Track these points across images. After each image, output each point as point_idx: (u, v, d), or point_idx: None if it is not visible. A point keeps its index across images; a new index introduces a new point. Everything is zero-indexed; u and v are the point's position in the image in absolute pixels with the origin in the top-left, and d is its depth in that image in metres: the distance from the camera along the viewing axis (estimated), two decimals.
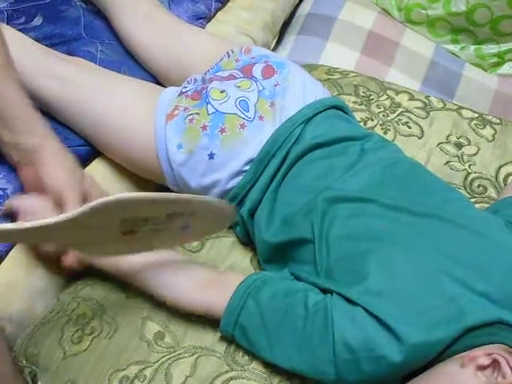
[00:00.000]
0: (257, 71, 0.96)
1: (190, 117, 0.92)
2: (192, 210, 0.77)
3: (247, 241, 0.95)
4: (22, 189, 0.90)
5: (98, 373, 0.81)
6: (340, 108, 0.98)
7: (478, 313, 0.74)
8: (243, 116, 0.91)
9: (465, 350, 0.73)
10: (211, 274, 0.85)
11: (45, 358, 0.84)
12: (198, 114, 0.91)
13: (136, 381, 0.80)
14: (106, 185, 0.99)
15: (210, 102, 0.92)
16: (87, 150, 1.01)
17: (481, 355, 0.71)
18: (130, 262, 0.84)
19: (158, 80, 1.11)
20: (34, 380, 0.82)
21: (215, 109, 0.91)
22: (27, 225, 0.65)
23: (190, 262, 0.88)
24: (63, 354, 0.83)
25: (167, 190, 1.00)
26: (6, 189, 0.91)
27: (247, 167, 0.91)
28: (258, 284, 0.81)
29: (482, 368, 0.71)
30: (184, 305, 0.83)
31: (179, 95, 0.96)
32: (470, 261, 0.78)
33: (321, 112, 0.94)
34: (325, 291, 0.81)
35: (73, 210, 0.67)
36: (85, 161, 1.00)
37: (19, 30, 1.02)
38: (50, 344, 0.84)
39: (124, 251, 0.79)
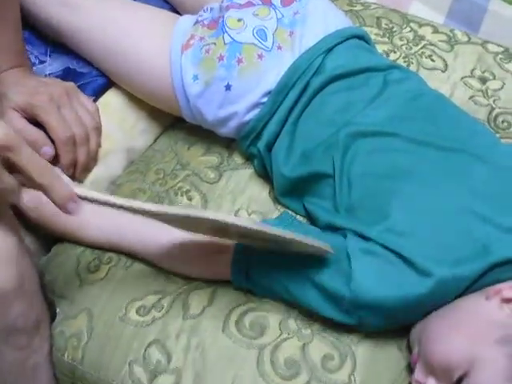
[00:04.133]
0: None
1: (206, 47, 0.89)
2: (289, 243, 0.73)
3: (265, 174, 0.93)
4: None
5: (115, 301, 0.81)
6: (362, 38, 0.95)
7: (504, 249, 0.73)
8: (261, 46, 0.88)
9: (490, 285, 0.72)
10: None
11: (61, 285, 0.84)
12: (214, 44, 0.89)
13: (153, 310, 0.80)
14: (121, 115, 0.98)
15: (226, 32, 0.89)
16: (102, 81, 0.99)
17: (506, 288, 0.70)
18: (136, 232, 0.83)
19: (174, 9, 1.08)
20: (51, 308, 0.83)
21: (232, 38, 0.88)
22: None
23: None
24: (80, 281, 0.84)
25: (183, 121, 0.99)
26: None
27: (265, 99, 0.89)
28: None
29: (507, 301, 0.70)
30: (193, 274, 0.82)
31: (195, 24, 0.93)
32: (496, 196, 0.77)
33: (342, 42, 0.90)
34: (338, 230, 0.79)
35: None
36: (100, 91, 0.98)
37: None
38: (66, 272, 0.85)
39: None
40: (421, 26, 1.14)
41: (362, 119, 0.84)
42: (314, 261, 0.75)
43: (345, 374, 0.76)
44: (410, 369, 0.76)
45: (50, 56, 0.98)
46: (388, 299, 0.72)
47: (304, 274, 0.75)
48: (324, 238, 0.78)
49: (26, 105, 0.85)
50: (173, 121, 1.04)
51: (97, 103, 0.96)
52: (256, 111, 0.89)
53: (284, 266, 0.76)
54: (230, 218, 0.66)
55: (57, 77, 0.96)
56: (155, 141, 1.04)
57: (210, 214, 0.65)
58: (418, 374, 0.73)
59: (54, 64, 0.98)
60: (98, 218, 0.85)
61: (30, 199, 0.84)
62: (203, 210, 0.64)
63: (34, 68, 0.96)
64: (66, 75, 0.97)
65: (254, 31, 0.89)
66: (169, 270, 0.83)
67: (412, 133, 0.82)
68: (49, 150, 0.86)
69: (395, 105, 0.86)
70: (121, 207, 0.66)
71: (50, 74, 0.97)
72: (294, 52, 0.89)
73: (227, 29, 0.89)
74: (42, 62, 0.98)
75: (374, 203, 0.79)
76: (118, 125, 0.99)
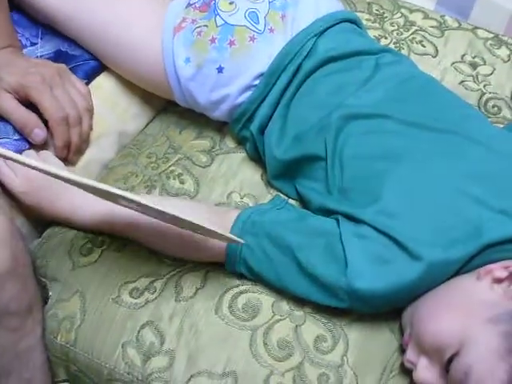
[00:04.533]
0: None
1: (198, 29, 0.89)
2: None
3: (257, 157, 0.93)
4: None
5: (108, 284, 0.81)
6: (354, 22, 0.95)
7: (496, 230, 0.73)
8: (253, 28, 0.88)
9: (482, 266, 0.73)
10: (212, 219, 0.81)
11: (53, 269, 0.84)
12: (206, 26, 0.89)
13: (146, 292, 0.80)
14: (113, 99, 0.97)
15: (218, 14, 0.89)
16: (94, 64, 0.98)
17: (498, 268, 0.71)
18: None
19: None
20: (43, 291, 0.83)
21: (224, 21, 0.88)
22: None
23: (189, 206, 0.86)
24: (72, 264, 0.83)
25: (175, 105, 0.98)
26: None
27: (257, 81, 0.89)
28: (254, 218, 0.79)
29: (498, 281, 0.71)
30: (186, 257, 0.82)
31: (187, 7, 0.92)
32: (488, 178, 0.77)
33: (334, 25, 0.91)
34: (330, 213, 0.80)
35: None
36: (92, 74, 0.97)
37: None
38: (58, 255, 0.84)
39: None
40: (411, 11, 1.15)
41: (354, 101, 0.85)
42: (307, 248, 0.75)
43: (337, 356, 0.77)
44: (402, 350, 0.76)
45: (41, 38, 0.97)
46: (382, 287, 0.72)
47: (297, 263, 0.75)
48: (317, 223, 0.78)
49: (18, 86, 0.84)
50: (165, 105, 1.04)
51: (89, 86, 0.95)
52: (248, 94, 0.89)
53: (277, 255, 0.77)
54: (126, 193, 0.65)
55: (48, 59, 0.94)
56: (147, 125, 1.04)
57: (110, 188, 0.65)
58: (410, 354, 0.73)
59: (46, 46, 0.97)
60: (90, 201, 0.84)
61: (22, 183, 0.84)
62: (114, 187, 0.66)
63: (25, 50, 0.95)
64: (58, 57, 0.96)
65: (246, 14, 0.88)
66: (161, 252, 0.83)
67: (404, 115, 0.82)
68: (40, 132, 0.85)
69: (387, 87, 0.86)
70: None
71: (41, 56, 0.96)
72: (286, 35, 0.89)
73: (219, 11, 0.89)
74: (33, 44, 0.97)
75: (366, 185, 0.79)
76: (111, 108, 0.98)
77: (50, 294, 0.82)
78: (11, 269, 0.71)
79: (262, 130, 0.90)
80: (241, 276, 0.81)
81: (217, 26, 0.88)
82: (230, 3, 0.89)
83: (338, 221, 0.77)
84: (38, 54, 0.95)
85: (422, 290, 0.74)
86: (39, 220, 0.89)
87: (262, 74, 0.88)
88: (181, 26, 0.90)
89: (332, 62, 0.88)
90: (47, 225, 0.89)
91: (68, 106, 0.86)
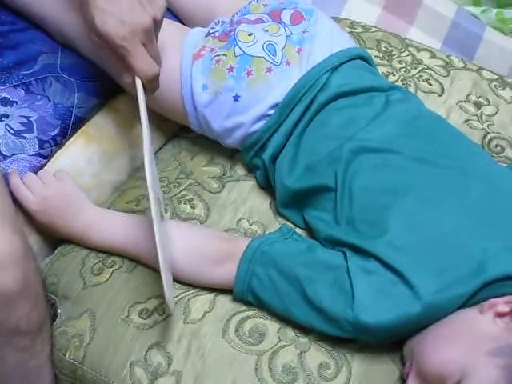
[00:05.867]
0: (285, 16, 0.95)
1: (216, 57, 0.91)
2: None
3: (266, 185, 0.95)
4: (45, 119, 0.90)
5: (118, 304, 0.82)
6: (365, 59, 0.98)
7: (500, 266, 0.75)
8: (270, 60, 0.90)
9: (485, 300, 0.75)
10: (221, 246, 0.84)
11: (64, 287, 0.85)
12: (225, 55, 0.91)
13: (155, 313, 0.81)
14: (129, 122, 0.99)
15: (237, 44, 0.91)
16: (111, 85, 0.99)
17: (500, 302, 0.73)
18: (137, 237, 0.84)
19: (182, 22, 1.09)
20: (52, 308, 0.83)
21: (243, 51, 0.91)
22: None
23: (198, 232, 0.88)
24: (83, 284, 0.84)
25: (187, 131, 1.00)
26: (31, 117, 0.91)
27: (272, 111, 0.91)
28: (264, 248, 0.81)
29: (500, 315, 0.73)
30: (195, 282, 0.83)
31: (206, 36, 0.95)
32: (493, 216, 0.79)
33: (347, 61, 0.93)
34: (337, 243, 0.81)
35: None
36: (108, 96, 0.99)
37: None
38: (70, 274, 0.86)
39: None
40: (419, 50, 1.18)
41: (365, 135, 0.87)
42: (315, 281, 0.77)
43: (340, 383, 0.77)
44: (403, 380, 0.78)
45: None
46: (387, 321, 0.74)
47: (304, 295, 0.77)
48: (324, 254, 0.80)
49: None
50: (177, 131, 1.06)
51: (106, 107, 0.97)
52: (262, 123, 0.91)
53: (285, 285, 0.78)
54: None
55: None
56: (159, 149, 1.05)
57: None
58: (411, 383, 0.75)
59: None
60: (102, 223, 0.86)
61: (38, 202, 0.85)
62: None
63: None
64: None
65: (264, 45, 0.91)
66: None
67: (412, 150, 0.85)
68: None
69: (397, 123, 0.88)
70: None
71: None
72: (302, 68, 0.91)
73: (238, 42, 0.91)
74: None
75: (374, 217, 0.81)
76: (126, 131, 0.99)
77: (59, 311, 0.83)
78: (22, 289, 0.71)
79: (274, 158, 0.92)
80: (248, 302, 0.82)
81: (235, 56, 0.90)
82: (249, 34, 0.92)
83: (345, 254, 0.79)
84: None
85: (426, 324, 0.76)
86: (51, 237, 0.90)
87: (276, 105, 0.90)
88: (200, 53, 0.93)
89: (344, 96, 0.90)
90: (59, 242, 0.91)
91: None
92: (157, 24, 0.80)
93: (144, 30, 0.77)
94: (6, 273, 0.69)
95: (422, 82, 1.11)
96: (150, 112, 1.00)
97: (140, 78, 0.80)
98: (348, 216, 0.83)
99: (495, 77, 1.15)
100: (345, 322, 0.75)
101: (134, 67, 0.79)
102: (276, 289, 0.79)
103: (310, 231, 0.89)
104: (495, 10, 1.44)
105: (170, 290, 0.75)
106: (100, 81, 0.98)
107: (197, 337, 0.80)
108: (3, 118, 0.90)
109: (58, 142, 0.93)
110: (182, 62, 0.93)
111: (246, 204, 0.94)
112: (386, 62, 1.14)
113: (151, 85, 0.82)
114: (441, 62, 1.16)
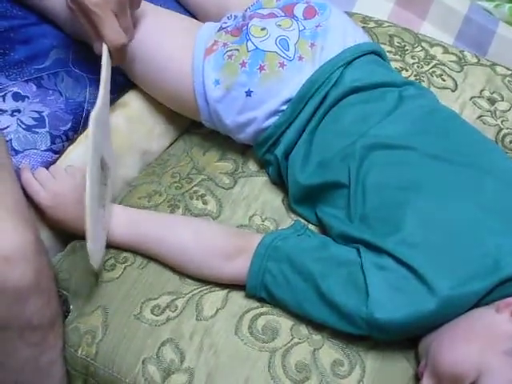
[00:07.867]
0: (298, 11, 0.94)
1: (229, 52, 0.91)
2: None
3: (279, 181, 0.95)
4: (56, 114, 0.90)
5: (130, 300, 0.82)
6: (379, 54, 0.97)
7: None
8: (283, 55, 0.90)
9: (501, 299, 0.74)
10: (233, 240, 0.83)
11: (76, 283, 0.85)
12: (237, 50, 0.90)
13: (167, 310, 0.81)
14: (139, 118, 0.99)
15: (250, 39, 0.90)
16: (122, 80, 1.00)
17: None
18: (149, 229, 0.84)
19: (194, 17, 1.09)
20: (64, 304, 0.83)
21: (255, 46, 0.90)
22: None
23: (211, 226, 0.88)
24: (95, 280, 0.84)
25: (198, 127, 1.00)
26: (43, 112, 0.91)
27: (284, 107, 0.90)
28: (277, 244, 0.81)
29: None
30: (206, 276, 0.83)
31: (219, 30, 0.94)
32: (507, 213, 0.78)
33: (360, 56, 0.92)
34: (350, 240, 0.81)
35: None
36: (119, 91, 0.99)
37: None
38: (82, 270, 0.85)
39: None
40: (432, 45, 1.17)
41: (379, 131, 0.86)
42: (329, 277, 0.77)
43: (354, 381, 0.77)
44: (417, 378, 0.77)
45: None
46: (401, 318, 0.73)
47: (317, 291, 0.77)
48: (338, 250, 0.80)
49: None
50: (188, 127, 1.06)
51: (117, 103, 0.96)
52: (275, 118, 0.90)
53: (298, 281, 0.78)
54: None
55: None
56: (170, 145, 1.05)
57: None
58: (426, 383, 0.74)
59: None
60: (115, 218, 0.86)
61: (49, 197, 0.85)
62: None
63: None
64: None
65: (277, 40, 0.90)
66: (183, 272, 0.84)
67: (426, 147, 0.84)
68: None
69: (410, 119, 0.88)
70: None
71: None
72: (315, 63, 0.90)
73: (251, 36, 0.90)
74: None
75: (388, 214, 0.80)
76: (136, 127, 0.99)
77: (71, 307, 0.83)
78: (35, 284, 0.71)
79: (287, 154, 0.91)
80: (261, 298, 0.82)
81: (248, 51, 0.90)
82: (262, 29, 0.91)
83: (358, 250, 0.78)
84: None
85: (441, 321, 0.75)
86: (63, 232, 0.90)
87: (289, 100, 0.89)
88: (212, 48, 0.92)
89: (357, 92, 0.89)
90: (71, 237, 0.90)
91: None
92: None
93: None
94: (18, 268, 0.69)
95: (435, 78, 1.11)
96: (162, 108, 1.02)
97: (107, 45, 0.84)
98: (361, 213, 0.82)
99: (509, 72, 1.14)
100: (359, 319, 0.75)
101: (103, 34, 0.83)
102: (289, 284, 0.78)
103: (323, 228, 0.89)
104: (508, 5, 1.43)
105: (96, 244, 0.76)
106: (111, 76, 0.97)
107: (209, 334, 0.79)
108: (15, 113, 0.90)
109: (69, 137, 0.93)
110: (194, 57, 0.92)
111: (258, 200, 0.93)
112: (398, 58, 1.13)
113: (117, 54, 0.86)
114: (454, 58, 1.15)
